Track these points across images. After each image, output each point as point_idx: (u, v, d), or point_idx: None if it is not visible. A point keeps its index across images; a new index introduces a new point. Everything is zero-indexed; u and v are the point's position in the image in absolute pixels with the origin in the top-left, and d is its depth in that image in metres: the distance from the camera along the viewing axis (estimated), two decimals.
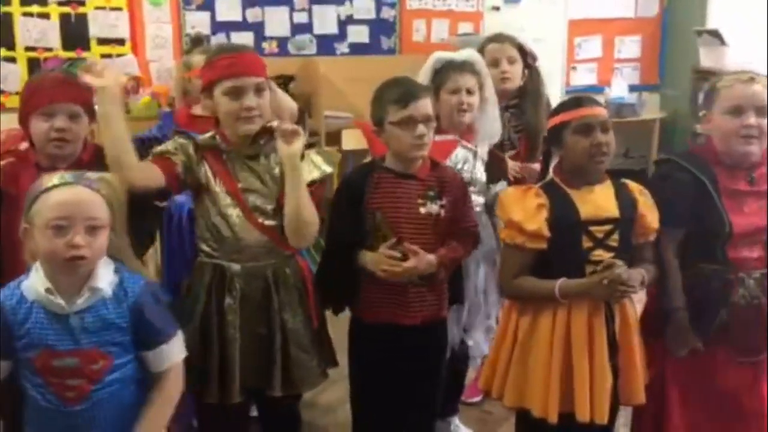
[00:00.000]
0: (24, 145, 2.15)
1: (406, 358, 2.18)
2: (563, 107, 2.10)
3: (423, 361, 2.22)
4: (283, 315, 2.03)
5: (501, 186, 2.66)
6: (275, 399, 2.06)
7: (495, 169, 2.63)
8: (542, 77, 2.94)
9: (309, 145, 2.12)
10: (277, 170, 2.03)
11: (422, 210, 2.12)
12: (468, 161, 2.47)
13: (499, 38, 2.90)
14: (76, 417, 1.59)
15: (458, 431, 2.85)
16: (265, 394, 2.05)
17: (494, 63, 2.82)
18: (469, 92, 2.46)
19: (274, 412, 2.19)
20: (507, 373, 2.10)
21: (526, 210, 1.99)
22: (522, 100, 2.87)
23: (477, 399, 3.09)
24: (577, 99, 2.11)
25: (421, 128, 2.07)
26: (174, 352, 1.70)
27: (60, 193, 1.55)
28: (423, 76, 2.49)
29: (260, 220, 2.01)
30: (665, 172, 2.23)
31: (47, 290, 1.56)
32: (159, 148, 2.03)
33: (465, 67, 2.47)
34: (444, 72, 2.45)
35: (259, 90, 1.98)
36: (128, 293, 1.63)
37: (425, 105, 2.09)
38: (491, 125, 2.59)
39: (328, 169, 2.09)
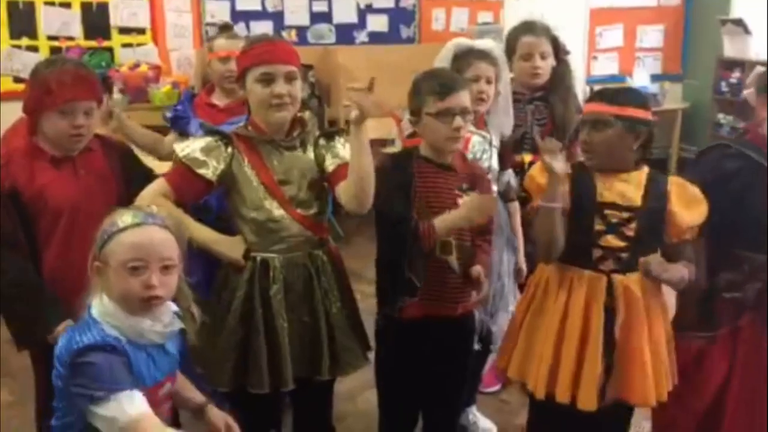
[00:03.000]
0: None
1: (436, 351, 2.19)
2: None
3: (452, 353, 2.23)
4: (325, 302, 2.05)
5: (507, 174, 2.65)
6: (313, 386, 2.07)
7: (503, 157, 2.62)
8: (571, 70, 2.88)
9: (329, 135, 2.12)
10: (312, 159, 2.05)
11: (459, 201, 2.13)
12: (486, 151, 2.46)
13: (534, 30, 2.78)
14: None
15: (476, 421, 2.86)
16: (305, 381, 2.06)
17: (527, 57, 2.75)
18: (488, 82, 2.45)
19: (309, 398, 2.18)
20: (515, 345, 2.13)
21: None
22: (550, 93, 2.81)
23: (495, 388, 3.09)
24: (594, 93, 2.10)
25: (458, 120, 2.06)
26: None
27: (135, 234, 1.55)
28: (442, 62, 2.47)
29: (298, 210, 2.02)
30: (712, 156, 2.18)
31: (152, 324, 1.57)
32: (188, 153, 2.00)
33: (485, 56, 2.45)
34: (465, 59, 2.43)
35: (290, 78, 1.98)
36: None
37: (463, 97, 2.09)
38: (502, 118, 2.58)
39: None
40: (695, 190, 2.03)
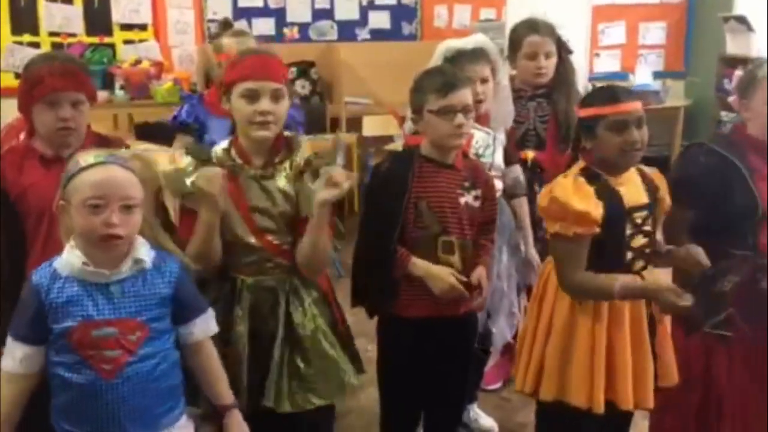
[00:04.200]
0: (21, 137, 2.14)
1: (438, 350, 2.19)
2: (597, 99, 2.02)
3: (454, 351, 2.23)
4: (294, 326, 1.96)
5: (515, 170, 2.64)
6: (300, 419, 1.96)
7: (509, 152, 2.61)
8: (574, 68, 2.88)
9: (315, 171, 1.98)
10: (288, 188, 1.95)
11: (461, 200, 2.13)
12: (489, 146, 2.46)
13: (539, 30, 2.76)
14: (110, 392, 1.60)
15: (478, 419, 2.86)
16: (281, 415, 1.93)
17: (531, 56, 2.75)
18: (484, 81, 2.43)
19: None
20: (542, 365, 2.05)
21: (587, 198, 1.93)
22: (553, 90, 2.81)
23: (496, 386, 3.09)
24: (612, 92, 2.00)
25: (460, 118, 2.05)
26: (213, 319, 1.78)
27: (96, 172, 1.58)
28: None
29: (269, 239, 1.94)
30: (691, 153, 2.23)
31: (84, 263, 1.59)
32: (186, 194, 1.91)
33: (477, 55, 2.43)
34: (456, 62, 2.40)
35: (276, 97, 1.90)
36: (168, 267, 1.69)
37: (465, 95, 2.08)
38: (504, 109, 2.57)
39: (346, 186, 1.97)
40: (660, 175, 2.09)
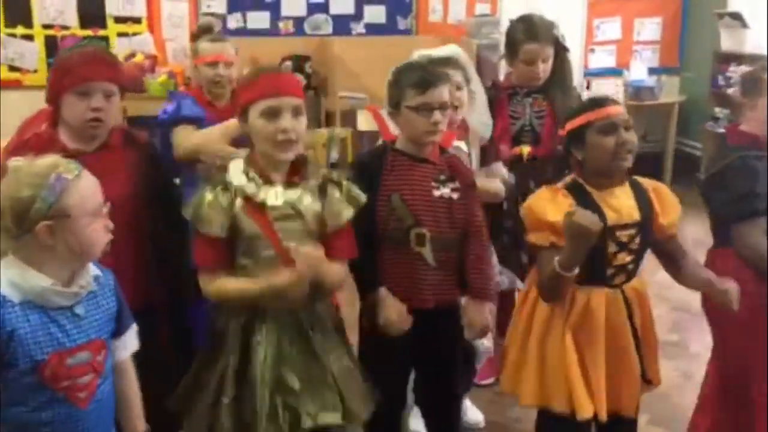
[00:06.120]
0: (44, 127, 2.10)
1: (420, 342, 2.18)
2: (584, 108, 2.04)
3: (438, 345, 2.21)
4: (323, 358, 1.91)
5: (497, 166, 2.64)
6: None
7: (489, 152, 2.62)
8: (571, 64, 2.88)
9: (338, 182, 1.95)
10: (316, 205, 1.89)
11: (435, 193, 2.12)
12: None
13: (538, 37, 2.72)
14: (84, 421, 1.53)
15: (466, 411, 2.85)
16: None
17: (529, 63, 2.75)
18: (457, 88, 2.42)
19: None
20: (518, 371, 2.06)
21: (561, 209, 1.92)
22: (549, 86, 2.80)
23: (489, 381, 3.10)
24: (597, 100, 2.05)
25: (437, 115, 2.05)
26: (134, 338, 1.70)
27: (88, 181, 1.52)
28: None
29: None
30: (736, 165, 2.16)
31: (53, 284, 1.47)
32: (198, 216, 1.84)
33: (447, 63, 2.41)
34: None
35: (297, 113, 1.84)
36: (106, 278, 1.61)
37: (443, 92, 2.07)
38: (481, 120, 2.57)
39: (363, 199, 1.95)
40: (665, 189, 2.07)
